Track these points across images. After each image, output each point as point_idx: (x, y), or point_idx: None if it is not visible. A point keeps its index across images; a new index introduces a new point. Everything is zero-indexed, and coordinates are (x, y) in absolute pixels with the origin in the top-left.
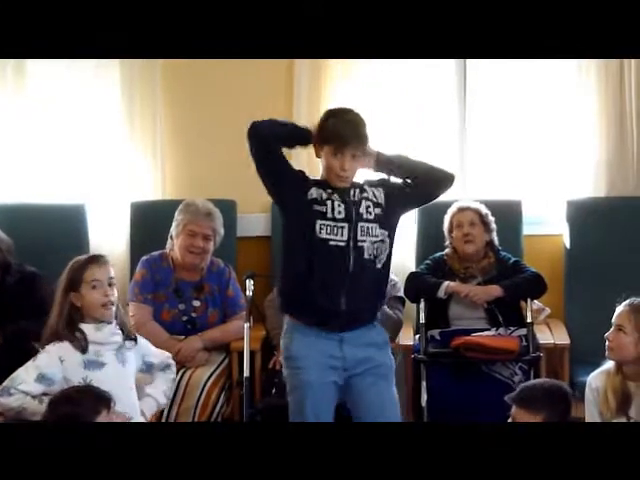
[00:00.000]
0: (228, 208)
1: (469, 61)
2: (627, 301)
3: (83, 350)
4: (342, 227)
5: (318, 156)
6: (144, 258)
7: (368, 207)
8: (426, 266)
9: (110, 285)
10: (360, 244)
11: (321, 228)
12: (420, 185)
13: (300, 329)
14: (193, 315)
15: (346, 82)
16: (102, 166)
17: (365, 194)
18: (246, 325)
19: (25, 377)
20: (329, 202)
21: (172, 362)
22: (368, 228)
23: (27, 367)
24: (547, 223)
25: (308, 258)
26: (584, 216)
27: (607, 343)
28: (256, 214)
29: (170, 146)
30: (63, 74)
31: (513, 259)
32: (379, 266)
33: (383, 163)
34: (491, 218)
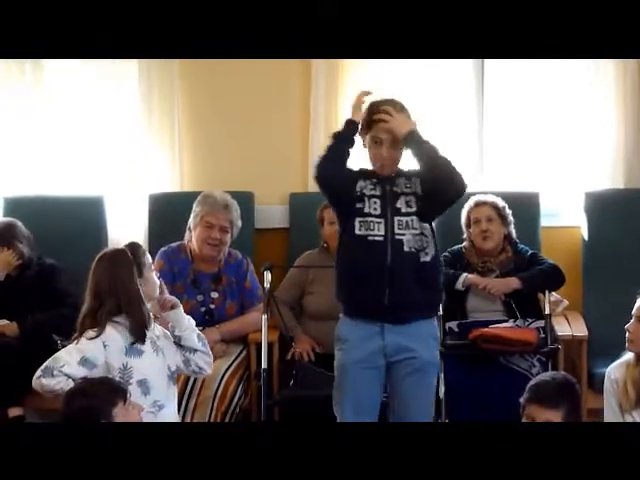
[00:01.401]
0: (246, 200)
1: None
2: None
3: (134, 341)
4: (378, 222)
5: (364, 144)
6: (162, 249)
7: (409, 201)
8: (444, 258)
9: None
10: (398, 237)
11: (361, 225)
12: (430, 191)
13: (349, 313)
14: (211, 306)
15: (363, 81)
16: (120, 159)
17: (408, 185)
18: (264, 317)
19: (68, 359)
20: (366, 199)
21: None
22: (407, 222)
23: (69, 350)
24: (565, 215)
25: (349, 254)
26: (602, 208)
27: (627, 335)
28: (274, 206)
29: (188, 138)
30: (81, 68)
31: (530, 252)
32: (426, 259)
33: (415, 141)
34: (508, 211)
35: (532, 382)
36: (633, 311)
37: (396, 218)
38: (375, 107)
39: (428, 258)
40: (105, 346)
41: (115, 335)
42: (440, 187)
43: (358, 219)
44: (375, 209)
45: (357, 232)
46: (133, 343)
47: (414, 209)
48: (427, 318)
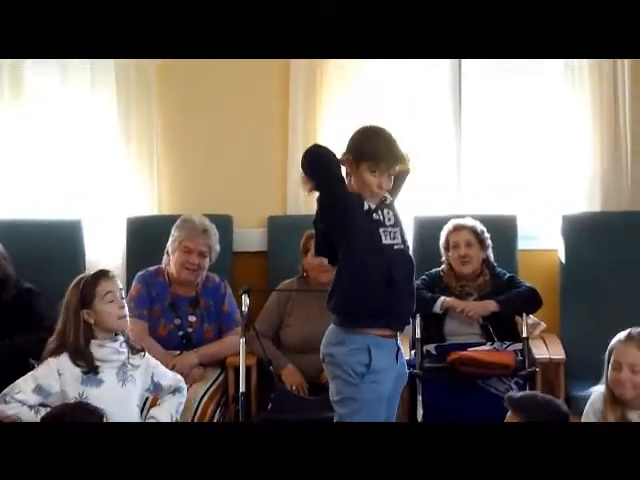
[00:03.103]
0: (224, 223)
1: (464, 77)
2: (625, 335)
3: (88, 369)
4: (395, 232)
5: (350, 171)
6: (140, 273)
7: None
8: (422, 281)
9: (122, 298)
10: (407, 244)
11: (385, 235)
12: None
13: (375, 343)
14: (189, 330)
15: (342, 83)
16: (98, 182)
17: (389, 199)
18: (242, 340)
19: (23, 387)
20: (379, 210)
21: (183, 385)
22: (403, 232)
23: (27, 377)
24: (542, 238)
25: (383, 265)
26: (579, 231)
27: (618, 383)
28: (252, 229)
29: (166, 162)
30: (60, 90)
31: (508, 275)
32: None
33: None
34: (487, 235)
35: (521, 395)
36: (616, 356)
37: (401, 227)
38: (370, 134)
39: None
40: (60, 374)
41: (69, 363)
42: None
43: (382, 229)
44: (389, 219)
45: (385, 242)
46: (87, 372)
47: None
48: None
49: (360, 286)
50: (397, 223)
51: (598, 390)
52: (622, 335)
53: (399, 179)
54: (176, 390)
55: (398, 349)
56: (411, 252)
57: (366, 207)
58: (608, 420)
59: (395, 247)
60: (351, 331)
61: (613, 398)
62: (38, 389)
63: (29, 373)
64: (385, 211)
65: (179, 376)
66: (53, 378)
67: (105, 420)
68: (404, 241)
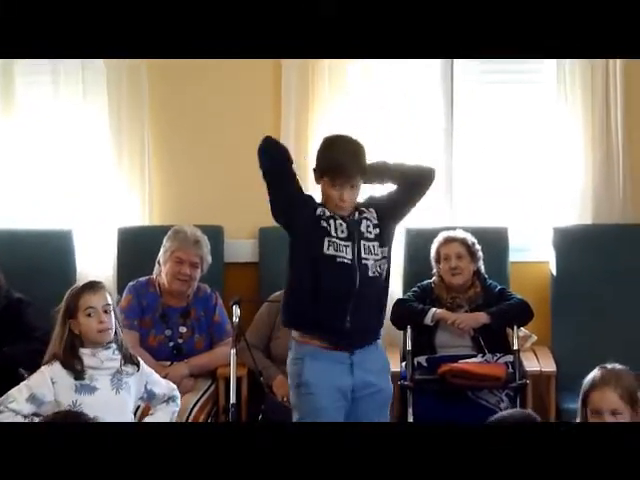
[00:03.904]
0: (215, 234)
1: (456, 88)
2: (599, 379)
3: (77, 376)
4: (346, 245)
5: (318, 183)
6: (131, 284)
7: (368, 227)
8: (413, 293)
9: (106, 312)
10: (364, 262)
11: (329, 245)
12: (406, 189)
13: (311, 353)
14: (179, 341)
15: (336, 84)
16: (89, 192)
17: (364, 214)
18: (232, 351)
19: (17, 396)
20: (332, 220)
21: (177, 394)
22: (370, 247)
23: (20, 387)
24: (533, 250)
25: (315, 274)
26: (570, 243)
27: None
28: (243, 240)
29: (157, 172)
30: (51, 101)
31: (499, 287)
32: (383, 284)
33: (371, 175)
34: (478, 247)
35: (490, 419)
36: (596, 406)
37: (362, 242)
38: (330, 145)
39: (383, 282)
40: (53, 383)
41: (63, 372)
42: (414, 187)
43: (327, 238)
44: (342, 231)
45: (326, 252)
46: (81, 380)
47: (373, 235)
48: (376, 344)
49: (293, 293)
50: (353, 238)
51: None
52: (595, 378)
53: (377, 174)
54: (170, 399)
55: (352, 363)
56: (401, 267)
57: (319, 212)
58: None
59: (338, 260)
60: (295, 340)
61: None
62: (32, 398)
63: (22, 382)
64: (339, 223)
65: (173, 385)
66: (46, 387)
67: None
68: (360, 258)
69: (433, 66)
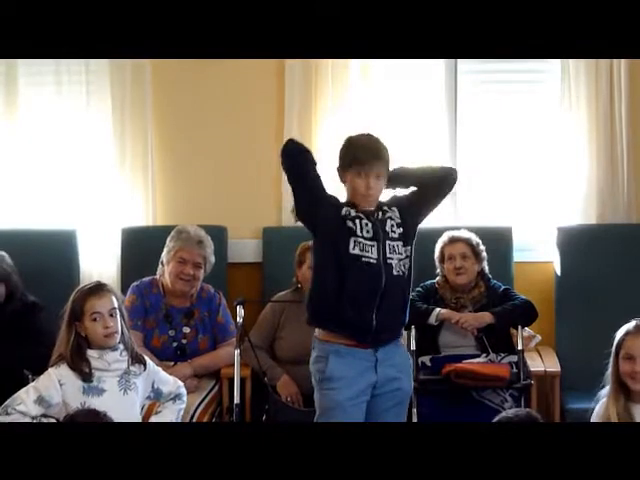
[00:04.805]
0: (219, 234)
1: (460, 88)
2: (634, 326)
3: (85, 378)
4: (372, 245)
5: (343, 181)
6: (134, 284)
7: (392, 226)
8: (417, 293)
9: (112, 315)
10: (389, 261)
11: (355, 245)
12: (430, 189)
13: (335, 351)
14: (183, 341)
15: (339, 84)
16: (93, 192)
17: (388, 214)
18: (236, 351)
19: (25, 398)
20: (358, 220)
21: (183, 391)
22: (394, 246)
23: (28, 388)
24: (537, 250)
25: (341, 273)
26: (574, 243)
27: (634, 375)
28: (247, 240)
29: (161, 172)
30: (55, 102)
31: (503, 287)
32: (406, 282)
33: (395, 180)
34: (482, 247)
35: (495, 419)
36: (630, 351)
37: (387, 242)
38: (353, 140)
39: (408, 282)
40: (61, 385)
41: (71, 374)
42: (438, 188)
43: (352, 238)
44: (368, 231)
45: (352, 251)
46: (88, 382)
47: (397, 234)
48: (398, 342)
49: (318, 292)
50: (378, 238)
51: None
52: (630, 327)
53: (399, 178)
54: (176, 397)
55: (376, 360)
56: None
57: (344, 213)
58: (610, 413)
59: (363, 259)
60: (318, 339)
61: (619, 392)
62: (39, 400)
63: (30, 384)
64: (364, 222)
65: (179, 381)
66: (54, 389)
67: None
68: (386, 258)
69: (437, 66)
